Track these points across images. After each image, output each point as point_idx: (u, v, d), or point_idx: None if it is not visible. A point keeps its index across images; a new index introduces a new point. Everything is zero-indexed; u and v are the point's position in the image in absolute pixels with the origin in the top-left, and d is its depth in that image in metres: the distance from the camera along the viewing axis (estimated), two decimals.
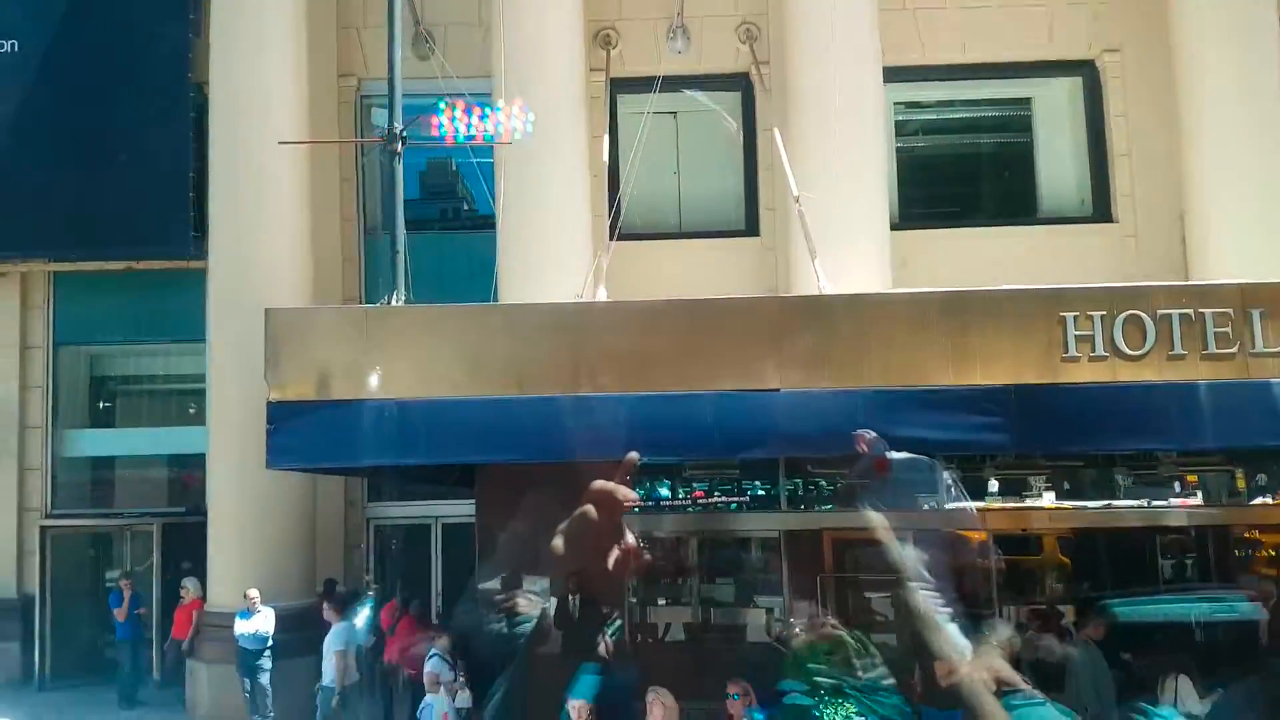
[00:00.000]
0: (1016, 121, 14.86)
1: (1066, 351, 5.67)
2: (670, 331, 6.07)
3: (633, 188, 15.10)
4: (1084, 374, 5.64)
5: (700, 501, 9.94)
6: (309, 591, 12.39)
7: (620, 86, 14.83)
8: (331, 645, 10.24)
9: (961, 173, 15.22)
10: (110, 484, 14.57)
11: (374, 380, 5.74)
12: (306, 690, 11.43)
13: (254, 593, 10.96)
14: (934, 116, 15.90)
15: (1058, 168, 14.19)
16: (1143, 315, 5.66)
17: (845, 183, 11.85)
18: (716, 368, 5.98)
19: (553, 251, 12.06)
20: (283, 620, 11.39)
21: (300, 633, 11.69)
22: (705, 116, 14.98)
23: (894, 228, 13.73)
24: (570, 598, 7.18)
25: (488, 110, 11.06)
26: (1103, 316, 5.69)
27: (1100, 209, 13.54)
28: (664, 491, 10.01)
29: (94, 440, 14.60)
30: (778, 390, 5.88)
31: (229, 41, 12.97)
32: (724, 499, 10.05)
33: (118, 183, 13.87)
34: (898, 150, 14.65)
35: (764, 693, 6.99)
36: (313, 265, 13.13)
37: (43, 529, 13.40)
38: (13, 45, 14.25)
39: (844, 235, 11.89)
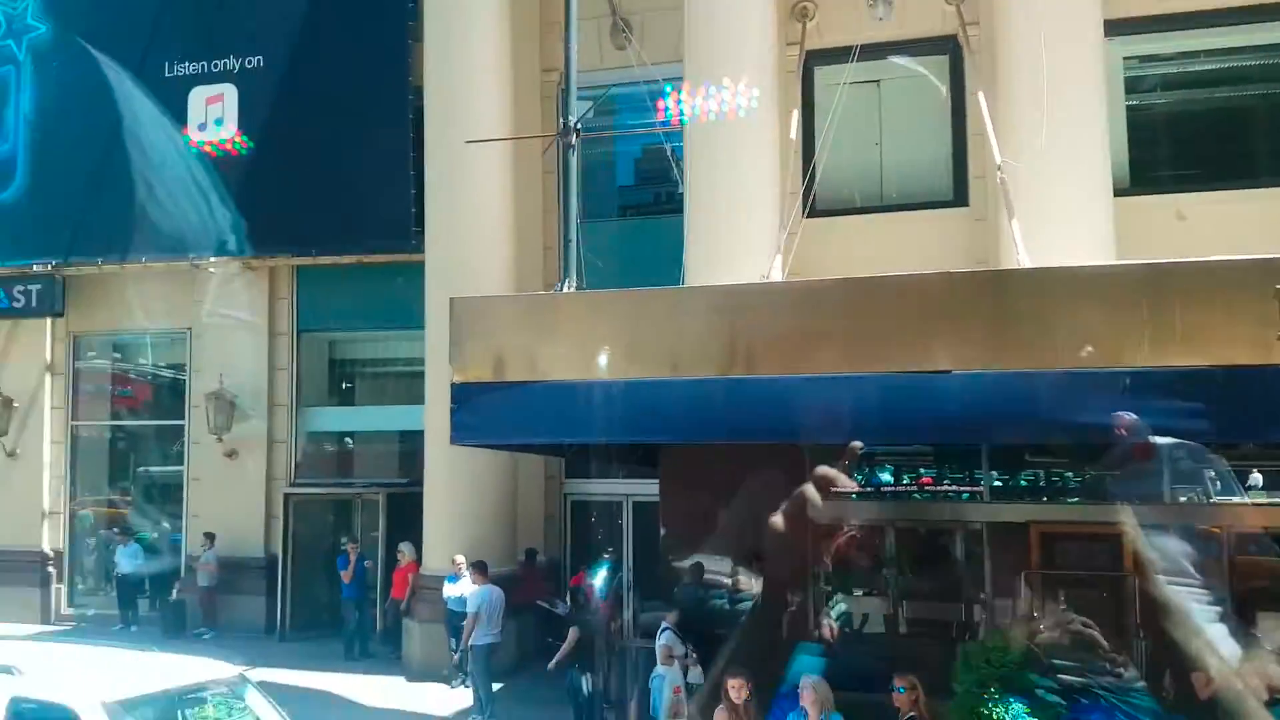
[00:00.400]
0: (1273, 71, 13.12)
1: None
2: (830, 313, 5.89)
3: (831, 162, 14.77)
4: None
5: (928, 489, 9.53)
6: (511, 559, 13.17)
7: (816, 59, 14.48)
8: (470, 607, 10.89)
9: (1204, 131, 13.63)
10: (345, 457, 16.08)
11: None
12: (505, 652, 12.17)
13: (460, 559, 11.78)
14: (1173, 70, 14.33)
15: None
16: None
17: (1060, 147, 11.01)
18: (881, 349, 5.75)
19: (740, 232, 12.00)
20: None
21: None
22: (908, 84, 14.38)
23: (1123, 193, 12.61)
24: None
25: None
26: None
27: None
28: (886, 477, 9.80)
29: (331, 417, 16.17)
30: (949, 372, 5.57)
31: (440, 44, 13.85)
32: (954, 488, 9.53)
33: (349, 184, 15.21)
34: (1130, 109, 13.38)
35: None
36: (515, 254, 13.81)
37: (285, 496, 15.04)
38: (259, 60, 15.96)
39: (1058, 204, 11.10)
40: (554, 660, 9.95)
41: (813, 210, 14.50)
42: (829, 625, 9.59)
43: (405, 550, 13.21)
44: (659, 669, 7.66)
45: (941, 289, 5.69)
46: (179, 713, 5.49)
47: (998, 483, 9.01)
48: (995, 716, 5.42)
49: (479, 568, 11.22)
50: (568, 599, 12.25)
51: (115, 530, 16.06)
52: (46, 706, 5.19)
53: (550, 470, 14.72)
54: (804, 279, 7.13)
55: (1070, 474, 9.84)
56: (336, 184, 15.30)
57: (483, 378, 6.33)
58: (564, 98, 8.65)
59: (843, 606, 9.21)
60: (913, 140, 14.66)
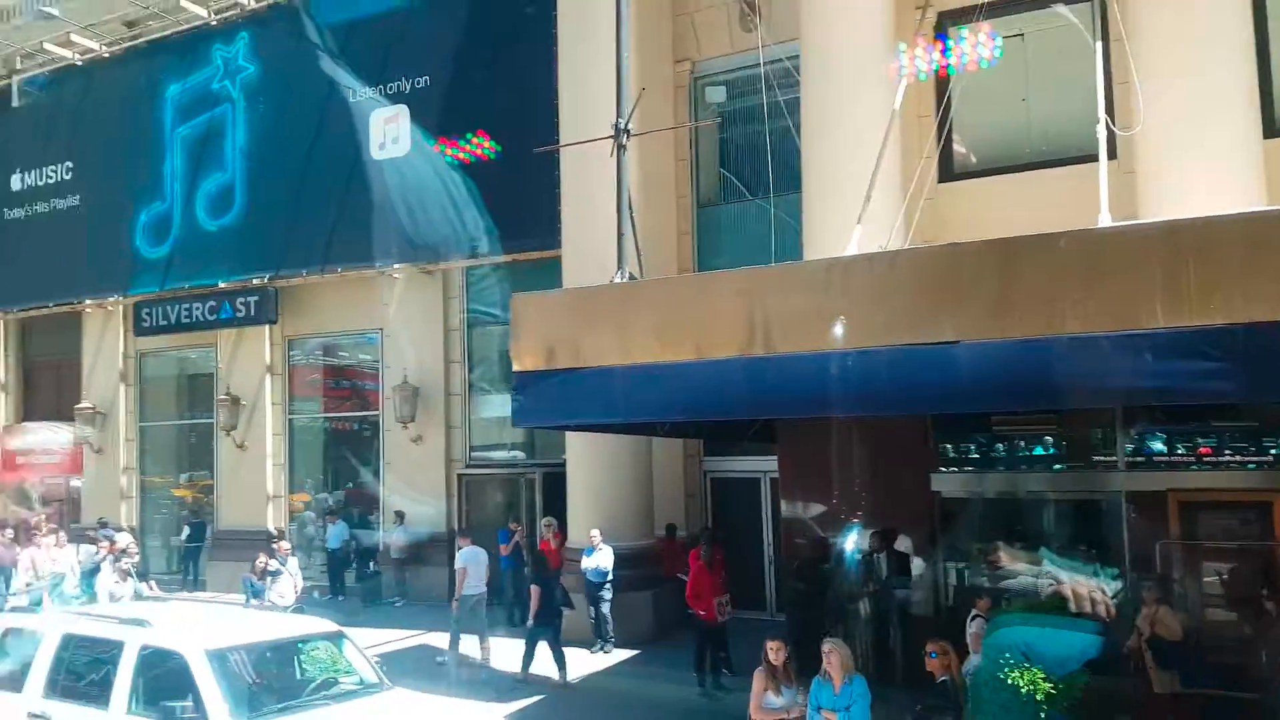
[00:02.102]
0: None
1: None
2: (845, 291, 5.98)
3: (972, 122, 14.23)
4: None
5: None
6: (648, 533, 13.82)
7: (950, 18, 13.99)
8: (457, 563, 12.31)
9: None
10: (511, 439, 17.27)
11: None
12: (642, 621, 12.83)
13: (595, 533, 12.56)
14: None
15: None
16: None
17: (1200, 93, 10.16)
18: (895, 323, 5.80)
19: (855, 202, 11.88)
20: (623, 559, 12.91)
21: (638, 569, 13.19)
22: (1047, 36, 13.59)
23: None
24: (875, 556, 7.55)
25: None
26: None
27: None
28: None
29: (499, 403, 17.45)
30: (956, 343, 5.55)
31: (569, 48, 14.54)
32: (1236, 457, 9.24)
33: (506, 190, 16.30)
34: None
35: None
36: (645, 243, 14.26)
37: (459, 477, 16.48)
38: (425, 80, 17.43)
39: (1199, 151, 10.26)
40: (529, 616, 11.53)
41: (953, 174, 14.12)
42: (1106, 603, 9.50)
43: (550, 524, 14.14)
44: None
45: (953, 260, 5.65)
46: (276, 660, 6.52)
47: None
48: (1011, 680, 5.39)
49: (464, 533, 12.85)
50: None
51: (326, 511, 18.17)
52: (164, 653, 6.30)
53: (690, 450, 15.23)
54: (819, 259, 7.14)
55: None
56: (494, 190, 16.46)
57: (537, 366, 6.93)
58: (619, 97, 8.98)
59: (1121, 585, 9.10)
60: (1057, 94, 13.82)
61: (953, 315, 5.60)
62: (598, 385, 6.66)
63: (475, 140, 16.62)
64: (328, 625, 7.27)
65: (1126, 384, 5.13)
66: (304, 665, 6.82)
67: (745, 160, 15.45)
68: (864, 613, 10.65)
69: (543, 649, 11.29)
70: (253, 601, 11.98)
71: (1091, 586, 8.23)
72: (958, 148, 14.08)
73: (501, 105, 16.42)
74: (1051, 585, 8.58)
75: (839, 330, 5.83)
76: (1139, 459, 9.74)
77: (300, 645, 6.89)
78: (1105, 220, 6.68)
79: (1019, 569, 9.44)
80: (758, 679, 6.55)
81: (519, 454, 16.93)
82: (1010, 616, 7.09)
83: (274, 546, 13.12)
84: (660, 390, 6.46)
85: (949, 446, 11.03)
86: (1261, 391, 5.39)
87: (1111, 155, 12.82)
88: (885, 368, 5.79)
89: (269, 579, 12.17)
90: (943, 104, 12.95)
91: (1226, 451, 9.41)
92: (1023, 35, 13.94)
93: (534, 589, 11.41)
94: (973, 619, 7.59)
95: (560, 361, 6.85)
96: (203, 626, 6.93)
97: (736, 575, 13.96)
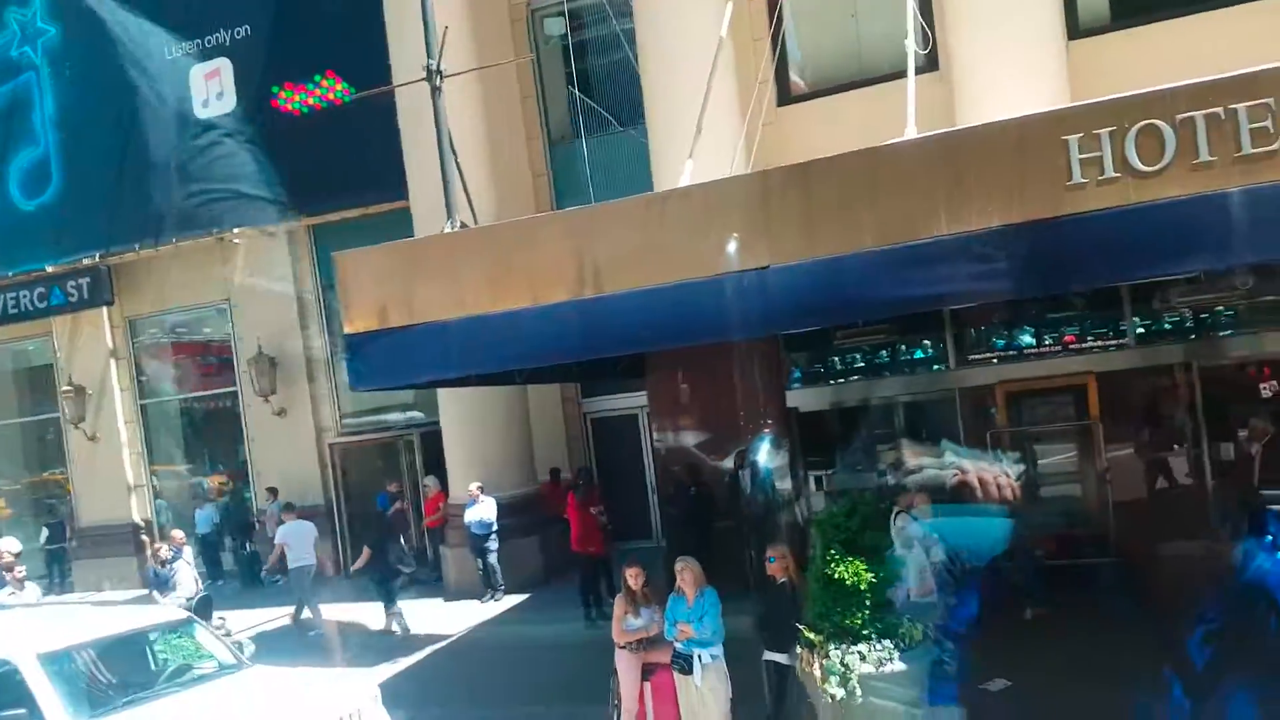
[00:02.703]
0: None
1: (1071, 179, 4.93)
2: (666, 225, 6.08)
3: (805, 44, 14.44)
4: (1092, 201, 4.88)
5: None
6: (531, 480, 13.93)
7: None
8: (276, 539, 12.67)
9: None
10: (383, 403, 16.97)
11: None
12: (530, 565, 13.02)
13: (474, 486, 12.59)
14: None
15: None
16: (1160, 124, 4.74)
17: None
18: (713, 253, 5.93)
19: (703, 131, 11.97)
20: (506, 507, 13.00)
21: (523, 516, 13.30)
22: None
23: (1099, 31, 12.01)
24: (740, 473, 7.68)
25: None
26: (1112, 133, 4.83)
27: None
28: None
29: None
30: (767, 268, 5.74)
31: None
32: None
33: (344, 141, 15.65)
34: None
35: None
36: (497, 187, 14.11)
37: (330, 446, 16.18)
38: (246, 30, 16.45)
39: (1004, 56, 10.72)
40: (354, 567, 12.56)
41: (791, 97, 14.33)
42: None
43: (430, 483, 14.13)
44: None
45: (748, 189, 5.80)
46: (122, 654, 6.35)
47: None
48: (836, 574, 5.75)
49: (288, 508, 12.92)
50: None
51: (192, 496, 17.56)
52: None
53: (567, 393, 15.31)
54: (638, 195, 7.24)
55: None
56: (333, 143, 15.79)
57: (369, 326, 6.81)
58: (427, 39, 8.75)
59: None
60: (884, 8, 14.10)
61: (765, 240, 5.77)
62: (432, 340, 6.61)
63: (325, 83, 15.83)
64: (175, 613, 7.10)
65: (918, 292, 5.43)
66: (157, 655, 6.67)
67: (596, 94, 15.30)
68: (732, 528, 11.12)
69: (426, 606, 11.40)
70: (157, 594, 11.48)
71: (995, 472, 8.54)
72: (795, 70, 14.27)
73: (350, 45, 15.46)
74: (956, 475, 8.84)
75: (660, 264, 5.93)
76: (969, 357, 10.40)
77: (148, 636, 6.72)
78: (910, 134, 6.95)
79: (924, 463, 9.66)
80: (618, 604, 6.79)
81: (395, 416, 16.64)
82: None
83: (171, 535, 12.57)
84: (496, 340, 6.46)
85: (799, 365, 11.51)
86: (1033, 288, 5.80)
87: (934, 67, 13.40)
88: (707, 297, 5.94)
89: (170, 568, 11.63)
90: (774, 25, 13.10)
91: (1046, 342, 10.14)
92: None
93: (365, 549, 12.08)
94: (897, 514, 7.54)
95: (393, 320, 6.75)
96: (35, 629, 6.67)
97: (624, 508, 14.29)
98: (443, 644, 10.89)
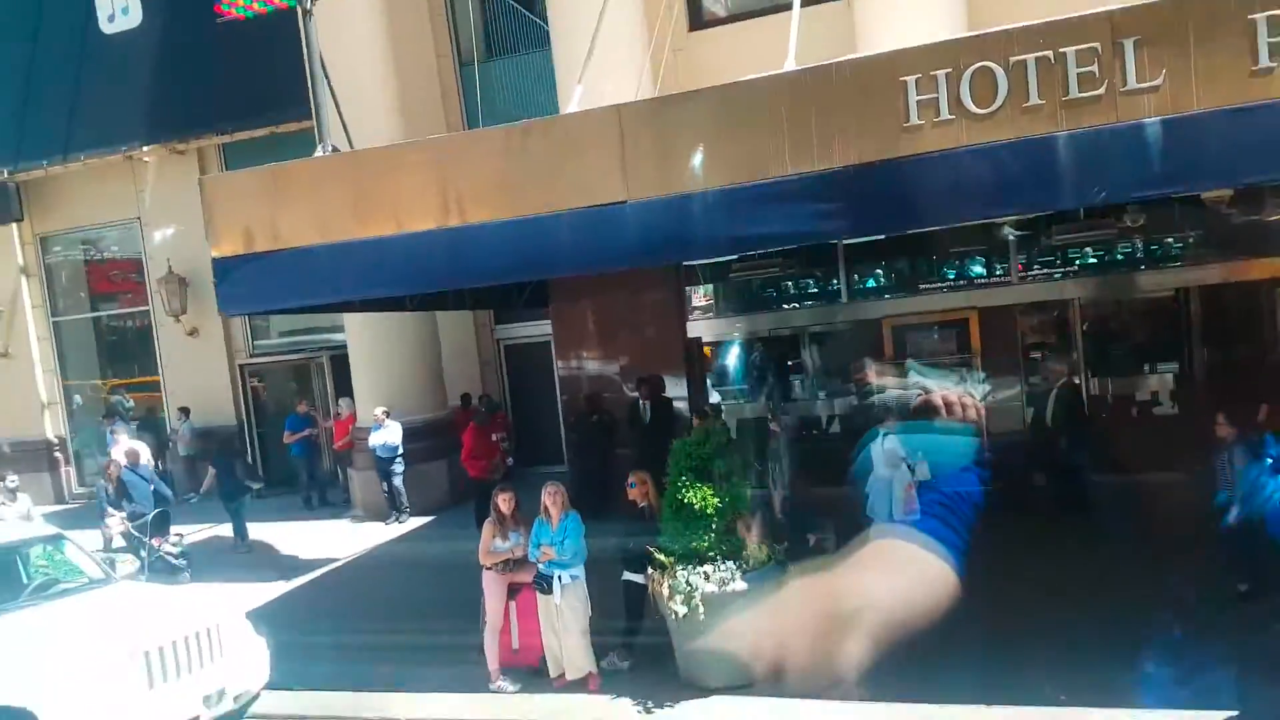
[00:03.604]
0: None
1: (908, 120, 5.04)
2: (527, 156, 6.09)
3: None
4: (927, 143, 4.99)
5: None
6: (440, 405, 13.99)
7: None
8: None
9: None
10: (296, 324, 16.81)
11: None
12: (437, 489, 13.18)
13: (379, 410, 12.62)
14: None
15: None
16: (993, 66, 4.84)
17: None
18: (573, 186, 5.97)
19: (600, 56, 11.79)
20: (414, 431, 13.08)
21: (432, 440, 13.39)
22: None
23: None
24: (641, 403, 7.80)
25: None
26: (947, 75, 4.93)
27: None
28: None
29: None
30: (625, 203, 5.79)
31: None
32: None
33: (254, 58, 15.15)
34: None
35: None
36: (406, 106, 13.81)
37: (241, 367, 16.02)
38: None
39: None
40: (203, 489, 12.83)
41: (703, 22, 14.13)
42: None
43: (343, 405, 14.12)
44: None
45: (604, 123, 5.81)
46: None
47: None
48: (686, 499, 5.99)
49: (132, 455, 11.62)
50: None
51: (103, 415, 17.30)
52: None
53: (480, 320, 15.31)
54: (498, 126, 7.19)
55: None
56: (242, 61, 15.30)
57: (235, 250, 6.76)
58: None
59: None
60: None
61: (623, 176, 5.81)
62: (298, 266, 6.59)
63: None
64: (45, 529, 7.13)
65: (764, 230, 5.53)
66: (27, 569, 6.75)
67: (510, 13, 14.94)
68: (632, 456, 11.36)
69: (332, 527, 11.51)
70: (111, 509, 10.83)
71: (959, 393, 8.58)
72: None
73: None
74: (920, 395, 8.81)
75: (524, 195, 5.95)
76: (859, 291, 10.64)
77: (17, 550, 6.79)
78: (789, 65, 6.95)
79: (886, 383, 9.75)
80: (487, 528, 6.97)
81: (308, 338, 16.50)
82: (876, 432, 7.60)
83: (130, 451, 12.04)
84: (361, 266, 6.47)
85: (698, 295, 11.65)
86: (872, 227, 5.95)
87: None
88: (567, 231, 5.99)
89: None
90: None
91: (931, 279, 10.40)
92: None
93: (210, 469, 12.26)
94: (885, 436, 7.67)
95: (259, 244, 6.70)
96: None
97: (537, 434, 14.48)
98: (337, 564, 11.07)
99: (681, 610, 6.01)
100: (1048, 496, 9.13)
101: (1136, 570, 7.36)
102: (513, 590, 6.94)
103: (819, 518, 7.96)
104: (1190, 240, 9.70)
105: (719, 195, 5.52)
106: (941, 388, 8.84)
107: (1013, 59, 4.83)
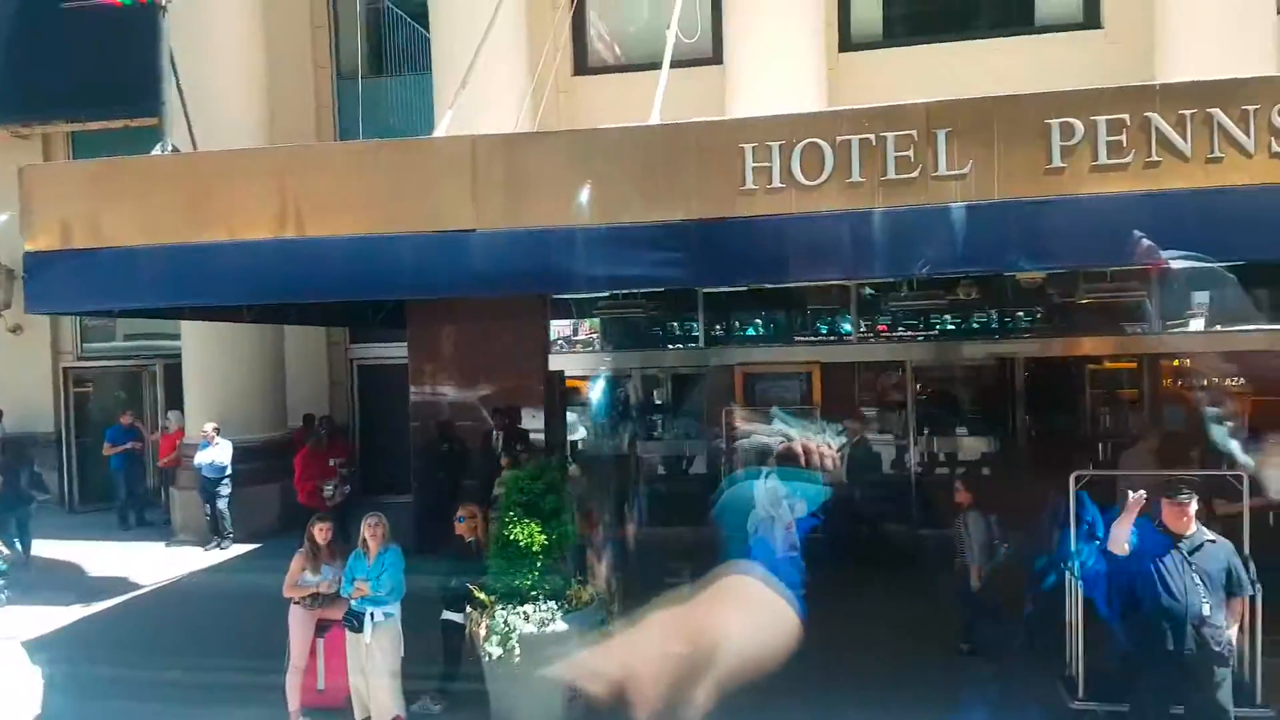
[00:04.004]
0: None
1: (744, 184, 5.25)
2: (370, 173, 5.98)
3: (607, 18, 14.49)
4: (760, 207, 5.22)
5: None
6: (280, 425, 13.40)
7: None
8: None
9: None
10: (130, 328, 15.86)
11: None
12: (267, 515, 12.58)
13: (209, 427, 11.98)
14: None
15: None
16: (821, 143, 5.12)
17: (771, 3, 11.09)
18: (418, 210, 5.90)
19: (482, 88, 11.80)
20: (248, 452, 12.47)
21: (266, 462, 12.77)
22: None
23: (880, 45, 12.74)
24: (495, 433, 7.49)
25: None
26: (781, 146, 5.18)
27: (1090, 14, 11.97)
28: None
29: None
30: (473, 231, 5.76)
31: None
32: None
33: (113, 44, 14.37)
34: None
35: None
36: (275, 115, 13.39)
37: (65, 371, 14.97)
38: None
39: (774, 56, 11.18)
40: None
41: (587, 68, 14.36)
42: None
43: (173, 419, 13.35)
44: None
45: (457, 151, 5.79)
46: None
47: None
48: (513, 536, 5.92)
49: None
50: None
51: None
52: None
53: (334, 337, 14.84)
54: (352, 142, 7.12)
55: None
56: (101, 46, 14.50)
57: (51, 245, 6.34)
58: None
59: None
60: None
61: (473, 205, 5.78)
62: (119, 267, 6.22)
63: None
64: None
65: (609, 272, 5.61)
66: None
67: (394, 34, 14.75)
68: (477, 488, 11.15)
69: (145, 550, 10.78)
70: None
71: (819, 442, 8.93)
72: (595, 42, 14.29)
73: None
74: (782, 442, 9.19)
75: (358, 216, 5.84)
76: (715, 338, 10.95)
77: None
78: (654, 119, 7.11)
79: (753, 428, 10.00)
80: (296, 559, 6.68)
81: (141, 344, 15.57)
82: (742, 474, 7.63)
83: None
84: (188, 273, 6.16)
85: (564, 329, 11.69)
86: (709, 279, 6.13)
87: (719, 60, 13.79)
88: (410, 252, 5.90)
89: None
90: None
91: (781, 332, 10.81)
92: None
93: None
94: (768, 475, 7.89)
95: (77, 241, 6.31)
96: None
97: (386, 462, 14.03)
98: (142, 590, 10.35)
99: (496, 652, 5.90)
100: (841, 547, 9.52)
101: (872, 625, 7.66)
102: (323, 627, 6.65)
103: (674, 560, 8.05)
104: (1016, 316, 10.44)
105: (568, 234, 5.56)
106: (803, 436, 9.19)
107: (839, 138, 5.10)
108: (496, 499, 7.53)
